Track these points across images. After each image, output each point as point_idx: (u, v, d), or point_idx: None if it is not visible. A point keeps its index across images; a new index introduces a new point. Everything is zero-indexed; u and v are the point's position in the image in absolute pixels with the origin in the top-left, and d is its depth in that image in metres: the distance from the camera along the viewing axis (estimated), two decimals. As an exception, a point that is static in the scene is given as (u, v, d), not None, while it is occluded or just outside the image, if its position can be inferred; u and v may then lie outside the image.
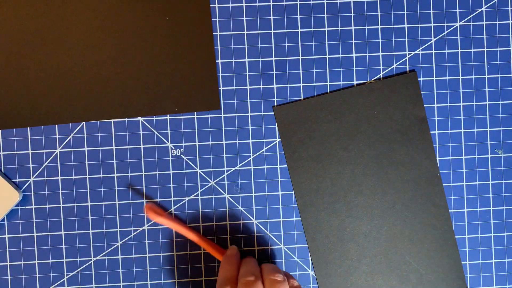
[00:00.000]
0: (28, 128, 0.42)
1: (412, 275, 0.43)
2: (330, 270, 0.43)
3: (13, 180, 0.42)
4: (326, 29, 0.44)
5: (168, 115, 0.43)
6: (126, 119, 0.43)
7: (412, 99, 0.43)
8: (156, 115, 0.43)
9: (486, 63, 0.45)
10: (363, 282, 0.43)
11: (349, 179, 0.43)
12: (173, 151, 0.43)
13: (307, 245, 0.43)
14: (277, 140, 0.44)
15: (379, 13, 0.44)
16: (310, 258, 0.43)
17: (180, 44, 0.42)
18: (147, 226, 0.43)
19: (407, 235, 0.43)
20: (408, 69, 0.44)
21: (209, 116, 0.43)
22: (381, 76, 0.44)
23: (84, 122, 0.43)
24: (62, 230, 0.43)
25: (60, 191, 0.43)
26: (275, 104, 0.43)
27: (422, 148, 0.43)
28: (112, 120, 0.43)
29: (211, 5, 0.43)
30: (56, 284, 0.43)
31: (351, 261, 0.43)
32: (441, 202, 0.43)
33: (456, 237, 0.44)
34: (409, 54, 0.44)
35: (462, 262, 0.44)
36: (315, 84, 0.44)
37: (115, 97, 0.42)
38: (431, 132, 0.44)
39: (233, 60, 0.43)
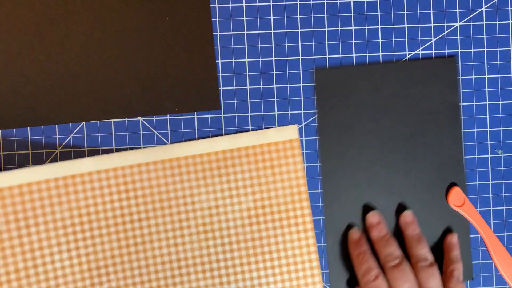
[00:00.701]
0: (28, 128, 0.42)
1: None
2: (341, 237, 0.43)
3: (13, 180, 0.42)
4: (326, 29, 0.44)
5: (168, 115, 0.43)
6: (126, 119, 0.43)
7: (448, 84, 0.43)
8: (156, 115, 0.43)
9: (486, 63, 0.45)
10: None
11: (376, 152, 0.43)
12: (173, 151, 0.43)
13: (322, 210, 0.43)
14: (277, 140, 0.44)
15: (379, 13, 0.44)
16: (324, 224, 0.43)
17: (180, 44, 0.42)
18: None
19: (423, 217, 0.43)
20: (434, 55, 0.44)
21: (209, 116, 0.43)
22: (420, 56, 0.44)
23: (84, 122, 0.43)
24: (62, 230, 0.43)
25: (60, 191, 0.43)
26: (315, 66, 0.43)
27: (451, 133, 0.43)
28: (112, 120, 0.43)
29: (211, 5, 0.43)
30: (56, 284, 0.43)
31: (364, 234, 0.43)
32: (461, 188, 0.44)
33: (456, 237, 0.44)
34: (409, 54, 0.44)
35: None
36: (315, 84, 0.44)
37: (115, 97, 0.42)
38: (431, 132, 0.44)
39: (233, 60, 0.43)
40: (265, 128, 0.43)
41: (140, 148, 0.43)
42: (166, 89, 0.42)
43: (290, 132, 0.42)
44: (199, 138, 0.43)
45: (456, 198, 0.43)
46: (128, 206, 0.40)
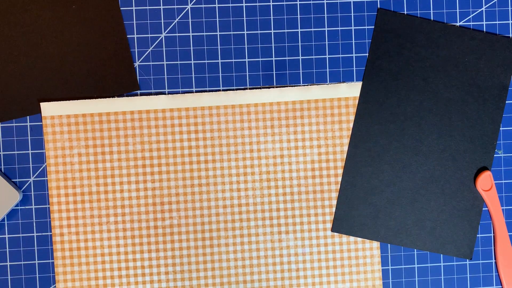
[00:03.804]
0: (28, 128, 0.42)
1: (428, 223, 0.43)
2: (356, 180, 0.43)
3: (13, 180, 0.42)
4: (326, 29, 0.44)
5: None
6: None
7: (503, 64, 0.43)
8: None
9: (486, 63, 0.45)
10: (381, 206, 0.43)
11: (414, 109, 0.43)
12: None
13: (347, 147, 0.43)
14: (277, 140, 0.44)
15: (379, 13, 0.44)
16: (343, 168, 0.43)
17: (90, 29, 0.42)
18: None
19: (441, 184, 0.43)
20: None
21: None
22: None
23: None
24: (62, 230, 0.43)
25: (60, 191, 0.43)
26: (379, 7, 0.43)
27: (492, 112, 0.43)
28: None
29: (212, 5, 0.43)
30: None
31: (380, 182, 0.43)
32: (487, 167, 0.43)
33: (456, 237, 0.44)
34: (409, 54, 0.44)
35: (463, 262, 0.44)
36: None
37: (30, 92, 0.42)
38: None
39: (233, 60, 0.43)
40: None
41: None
42: (82, 77, 0.42)
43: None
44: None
45: (485, 182, 0.43)
46: (196, 146, 0.41)
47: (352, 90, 0.43)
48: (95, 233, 0.41)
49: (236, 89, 0.42)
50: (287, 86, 0.42)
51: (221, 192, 0.42)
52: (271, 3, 0.44)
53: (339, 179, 0.43)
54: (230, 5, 0.43)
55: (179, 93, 0.42)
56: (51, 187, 0.41)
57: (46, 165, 0.42)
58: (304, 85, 0.42)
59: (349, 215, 0.43)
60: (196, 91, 0.43)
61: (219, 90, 0.43)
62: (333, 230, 0.42)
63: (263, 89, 0.42)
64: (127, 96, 0.43)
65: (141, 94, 0.43)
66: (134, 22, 0.43)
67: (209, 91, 0.43)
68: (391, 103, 0.43)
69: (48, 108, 0.41)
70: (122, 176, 0.41)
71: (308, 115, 0.42)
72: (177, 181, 0.41)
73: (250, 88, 0.43)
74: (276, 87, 0.43)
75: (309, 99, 0.42)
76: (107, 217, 0.41)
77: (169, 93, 0.43)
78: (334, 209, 0.43)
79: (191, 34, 0.43)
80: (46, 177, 0.42)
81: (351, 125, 0.42)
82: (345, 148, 0.43)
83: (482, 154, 0.43)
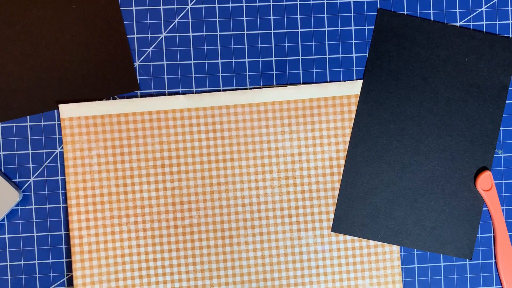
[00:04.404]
0: (28, 128, 0.42)
1: (428, 223, 0.43)
2: (356, 180, 0.43)
3: (13, 180, 0.42)
4: (326, 29, 0.44)
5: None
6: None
7: (503, 64, 0.43)
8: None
9: (486, 63, 0.45)
10: (381, 206, 0.43)
11: (414, 109, 0.43)
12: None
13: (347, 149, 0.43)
14: (277, 140, 0.44)
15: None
16: (343, 164, 0.43)
17: (90, 29, 0.42)
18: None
19: (441, 184, 0.43)
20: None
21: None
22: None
23: None
24: (62, 230, 0.43)
25: (60, 191, 0.43)
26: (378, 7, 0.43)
27: (492, 112, 0.43)
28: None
29: (211, 5, 0.43)
30: (56, 284, 0.43)
31: (380, 182, 0.43)
32: (487, 167, 0.43)
33: (456, 237, 0.44)
34: (409, 54, 0.44)
35: (463, 262, 0.44)
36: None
37: (30, 92, 0.42)
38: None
39: (233, 60, 0.43)
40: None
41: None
42: (82, 77, 0.42)
43: None
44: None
45: (485, 182, 0.43)
46: (214, 146, 0.41)
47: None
48: (115, 234, 0.41)
49: (252, 88, 0.42)
50: (304, 84, 0.43)
51: (239, 191, 0.42)
52: (271, 3, 0.44)
53: None
54: (230, 5, 0.43)
55: (194, 93, 0.43)
56: (69, 189, 0.41)
57: (64, 166, 0.42)
58: (321, 83, 0.43)
59: (348, 215, 0.43)
60: (197, 92, 0.43)
61: (219, 90, 0.43)
62: (333, 230, 0.42)
63: (279, 87, 0.42)
64: (127, 96, 0.43)
65: (141, 94, 0.43)
66: (134, 22, 0.43)
67: (210, 91, 0.43)
68: (391, 103, 0.43)
69: (66, 110, 0.41)
70: (141, 176, 0.41)
71: (325, 112, 0.42)
72: (196, 180, 0.42)
73: (265, 87, 0.43)
74: (291, 84, 0.43)
75: (327, 96, 0.42)
76: (127, 218, 0.41)
77: (169, 93, 0.43)
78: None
79: (191, 34, 0.43)
80: (46, 177, 0.42)
81: None
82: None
83: (482, 154, 0.43)
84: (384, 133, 0.43)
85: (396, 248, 0.43)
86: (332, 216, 0.43)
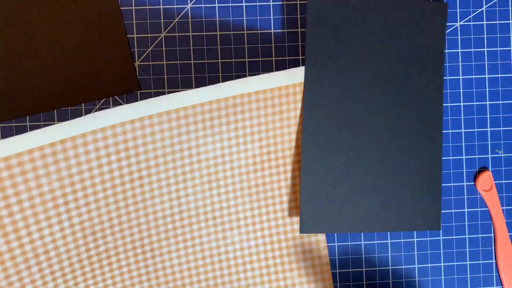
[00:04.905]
0: (28, 128, 0.42)
1: (392, 204, 0.42)
2: (315, 176, 0.42)
3: (13, 180, 0.42)
4: (326, 29, 0.44)
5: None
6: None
7: (436, 30, 0.42)
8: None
9: (486, 63, 0.45)
10: (344, 197, 0.42)
11: (358, 86, 0.42)
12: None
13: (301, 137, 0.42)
14: (277, 140, 0.44)
15: (379, 13, 0.44)
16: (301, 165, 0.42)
17: (90, 29, 0.42)
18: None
19: (398, 163, 0.42)
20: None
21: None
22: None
23: None
24: (62, 230, 0.43)
25: (60, 191, 0.43)
26: None
27: (433, 80, 0.42)
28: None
29: (212, 5, 0.43)
30: (56, 284, 0.43)
31: (338, 173, 0.42)
32: (437, 138, 0.42)
33: (456, 237, 0.44)
34: (409, 54, 0.44)
35: (463, 263, 0.44)
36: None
37: (30, 92, 0.42)
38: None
39: (233, 60, 0.43)
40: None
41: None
42: (81, 77, 0.42)
43: (299, 75, 0.40)
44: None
45: (485, 182, 0.43)
46: (128, 165, 0.37)
47: (289, 77, 0.40)
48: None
49: (168, 95, 0.38)
50: (223, 82, 0.40)
51: (159, 204, 0.39)
52: (271, 3, 0.44)
53: (282, 169, 0.42)
54: (230, 5, 0.43)
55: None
56: None
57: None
58: (242, 79, 0.39)
59: (314, 213, 0.42)
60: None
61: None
62: (301, 232, 0.41)
63: (199, 88, 0.37)
64: (128, 97, 0.43)
65: (141, 94, 0.43)
66: (134, 22, 0.43)
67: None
68: (336, 90, 0.42)
69: None
70: (39, 222, 0.35)
71: (248, 109, 0.39)
72: (108, 206, 0.37)
73: (180, 90, 0.41)
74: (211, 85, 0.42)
75: (249, 92, 0.38)
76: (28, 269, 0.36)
77: (168, 93, 0.43)
78: (277, 199, 0.42)
79: (191, 34, 0.43)
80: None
81: (292, 113, 0.41)
82: (286, 138, 0.41)
83: (431, 122, 0.42)
84: (334, 122, 0.42)
85: (322, 237, 0.42)
86: (256, 211, 0.42)
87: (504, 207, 0.45)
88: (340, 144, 0.42)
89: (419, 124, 0.42)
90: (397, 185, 0.42)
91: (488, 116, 0.45)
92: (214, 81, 0.43)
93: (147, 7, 0.43)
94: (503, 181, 0.45)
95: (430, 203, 0.42)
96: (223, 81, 0.43)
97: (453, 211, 0.44)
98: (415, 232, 0.45)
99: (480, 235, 0.44)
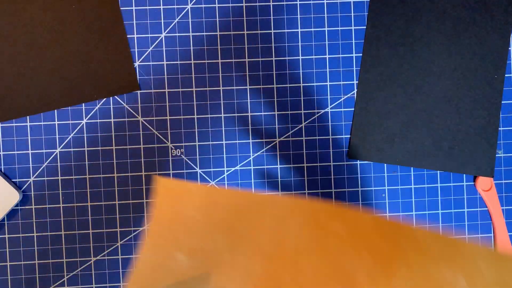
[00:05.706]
0: (28, 127, 0.42)
1: (445, 143, 0.43)
2: (370, 105, 0.42)
3: (13, 180, 0.42)
4: (326, 29, 0.44)
5: (168, 115, 0.43)
6: (126, 119, 0.43)
7: None
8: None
9: (486, 63, 0.45)
10: (397, 130, 0.42)
11: (422, 30, 0.43)
12: (173, 151, 0.43)
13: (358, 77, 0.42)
14: (277, 140, 0.44)
15: (379, 13, 0.44)
16: (355, 92, 0.43)
17: (90, 29, 0.42)
18: (147, 226, 0.43)
19: (455, 103, 0.43)
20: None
21: (209, 116, 0.43)
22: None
23: (84, 121, 0.43)
24: (62, 230, 0.43)
25: (60, 191, 0.43)
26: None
27: (500, 28, 0.43)
28: (112, 120, 0.43)
29: (212, 5, 0.43)
30: (56, 284, 0.43)
31: (394, 106, 0.42)
32: (499, 86, 0.43)
33: (456, 237, 0.44)
34: (409, 54, 0.44)
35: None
36: (315, 84, 0.44)
37: (30, 92, 0.42)
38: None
39: (233, 60, 0.43)
40: (264, 127, 0.43)
41: (140, 147, 0.42)
42: (82, 77, 0.42)
43: None
44: (199, 138, 0.42)
45: (485, 182, 0.43)
46: None
47: None
48: None
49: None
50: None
51: None
52: (271, 3, 0.44)
53: None
54: (230, 5, 0.43)
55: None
56: None
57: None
58: None
59: (364, 141, 0.42)
60: (197, 91, 0.43)
61: (219, 91, 0.43)
62: (349, 157, 0.42)
63: None
64: (127, 97, 0.43)
65: (141, 94, 0.43)
66: (134, 22, 0.43)
67: (210, 91, 0.43)
68: (399, 25, 0.43)
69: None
70: None
71: None
72: None
73: None
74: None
75: None
76: None
77: (169, 93, 0.43)
78: None
79: (191, 34, 0.43)
80: (46, 177, 0.43)
81: None
82: None
83: (493, 70, 0.43)
84: (394, 56, 0.43)
85: None
86: None
87: (504, 207, 0.45)
88: (399, 78, 0.42)
89: (480, 69, 0.43)
90: (452, 126, 0.42)
91: (488, 116, 0.45)
92: (214, 81, 0.43)
93: (147, 7, 0.43)
94: (503, 181, 0.45)
95: (484, 149, 0.43)
96: (223, 81, 0.43)
97: (453, 211, 0.44)
98: (415, 232, 0.45)
99: (480, 235, 0.44)
